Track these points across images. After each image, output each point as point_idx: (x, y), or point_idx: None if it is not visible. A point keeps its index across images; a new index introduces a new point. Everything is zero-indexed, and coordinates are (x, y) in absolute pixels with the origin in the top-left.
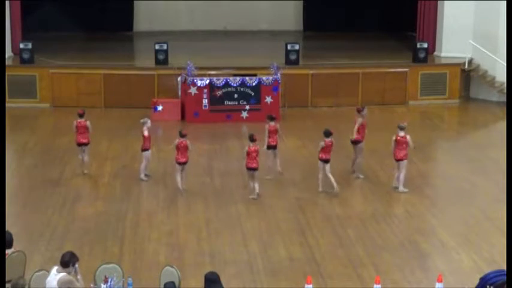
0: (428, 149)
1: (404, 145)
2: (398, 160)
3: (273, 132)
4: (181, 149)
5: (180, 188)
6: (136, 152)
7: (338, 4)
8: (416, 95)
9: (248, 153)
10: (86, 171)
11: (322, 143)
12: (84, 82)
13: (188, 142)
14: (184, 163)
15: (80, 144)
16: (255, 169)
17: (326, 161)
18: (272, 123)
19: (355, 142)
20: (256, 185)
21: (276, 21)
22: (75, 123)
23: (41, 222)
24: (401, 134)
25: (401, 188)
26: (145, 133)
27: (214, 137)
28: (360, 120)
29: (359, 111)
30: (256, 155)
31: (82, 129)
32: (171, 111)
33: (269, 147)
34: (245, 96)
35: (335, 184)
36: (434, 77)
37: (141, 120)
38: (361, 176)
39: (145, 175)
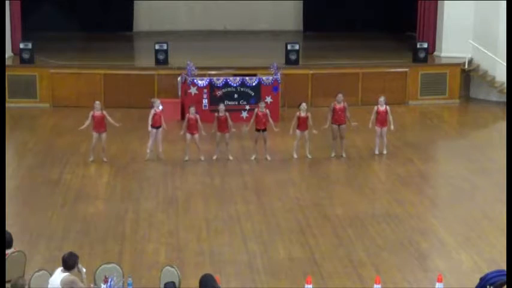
0: (428, 149)
1: (385, 116)
2: (382, 127)
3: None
4: (194, 122)
5: (186, 158)
6: (136, 152)
7: (338, 4)
8: (417, 95)
9: (219, 121)
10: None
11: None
12: (84, 82)
13: (197, 116)
14: (194, 134)
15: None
16: (226, 133)
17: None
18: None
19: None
20: (229, 147)
21: (276, 21)
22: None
23: (41, 222)
24: (382, 108)
25: (384, 151)
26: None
27: (214, 137)
28: (331, 105)
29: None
30: (225, 120)
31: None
32: (171, 111)
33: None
34: (245, 96)
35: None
36: (434, 77)
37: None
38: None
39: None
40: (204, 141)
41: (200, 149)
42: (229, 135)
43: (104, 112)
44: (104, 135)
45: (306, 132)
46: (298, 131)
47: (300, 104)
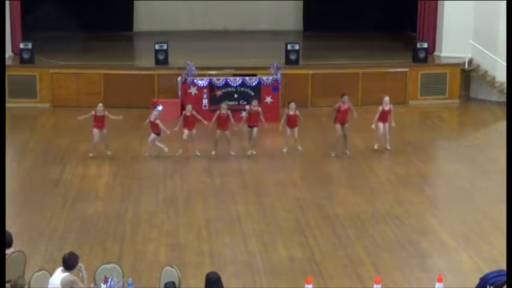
0: (428, 149)
1: (388, 114)
2: (385, 123)
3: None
4: (191, 119)
5: (180, 152)
6: (136, 151)
7: (338, 4)
8: (416, 95)
9: (220, 118)
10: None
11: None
12: (84, 82)
13: (194, 113)
14: (192, 129)
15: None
16: (226, 130)
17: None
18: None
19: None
20: (230, 145)
21: (276, 21)
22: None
23: (41, 222)
24: (386, 108)
25: (388, 147)
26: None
27: (214, 137)
28: (336, 105)
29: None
30: (227, 118)
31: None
32: (171, 111)
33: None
34: (245, 96)
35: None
36: (434, 77)
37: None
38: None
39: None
40: (203, 139)
41: (196, 144)
42: (230, 133)
43: (106, 112)
44: (104, 131)
45: (296, 130)
46: (287, 128)
47: (289, 103)
